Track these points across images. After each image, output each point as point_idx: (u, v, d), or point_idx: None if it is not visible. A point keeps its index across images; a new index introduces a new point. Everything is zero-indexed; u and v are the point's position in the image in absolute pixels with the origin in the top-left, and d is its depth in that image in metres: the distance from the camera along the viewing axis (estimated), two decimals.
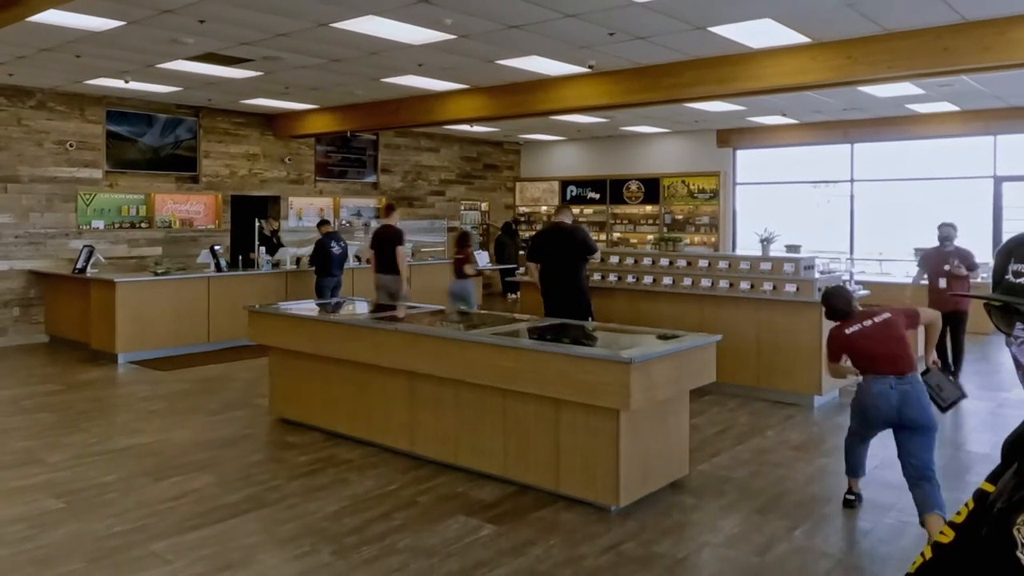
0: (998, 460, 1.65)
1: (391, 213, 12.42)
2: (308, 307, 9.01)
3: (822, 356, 6.41)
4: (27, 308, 13.27)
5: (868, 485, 6.54)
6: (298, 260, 14.45)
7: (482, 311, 11.39)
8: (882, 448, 7.65)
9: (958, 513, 1.69)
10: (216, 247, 13.37)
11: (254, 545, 5.26)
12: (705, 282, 9.86)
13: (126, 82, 12.53)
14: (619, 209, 20.81)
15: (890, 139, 16.89)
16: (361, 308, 9.53)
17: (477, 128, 18.56)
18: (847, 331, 5.86)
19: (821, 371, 8.99)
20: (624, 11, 8.34)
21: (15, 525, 5.56)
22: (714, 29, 9.02)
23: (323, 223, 13.68)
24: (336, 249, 13.20)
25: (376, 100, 14.44)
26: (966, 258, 10.39)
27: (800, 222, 17.58)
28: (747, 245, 17.60)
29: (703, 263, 10.14)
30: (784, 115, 16.37)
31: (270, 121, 16.61)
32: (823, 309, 6.25)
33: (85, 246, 12.88)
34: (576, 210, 21.29)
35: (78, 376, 10.69)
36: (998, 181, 15.97)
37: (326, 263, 13.08)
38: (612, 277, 11.21)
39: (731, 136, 18.88)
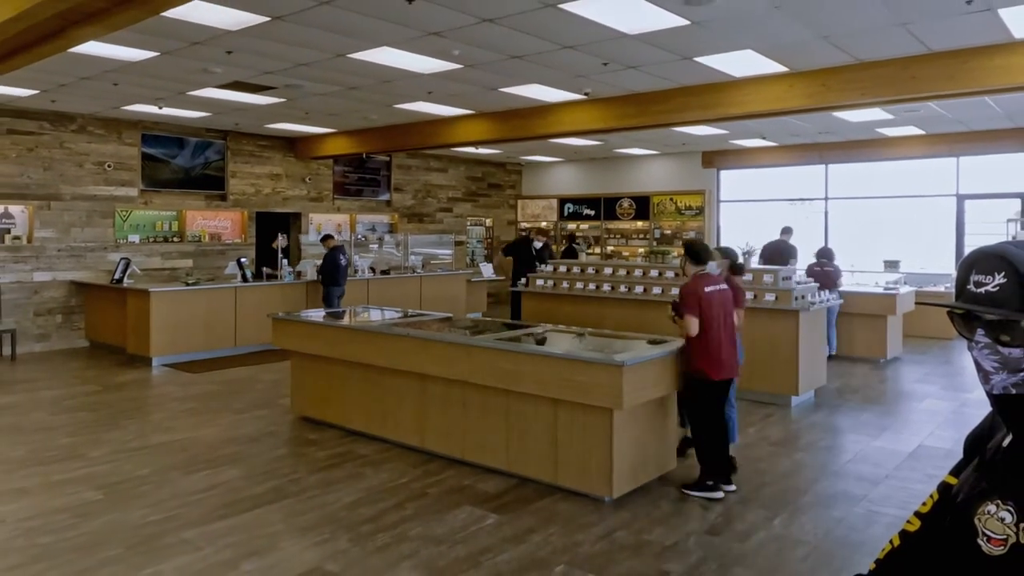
0: (961, 455, 1.65)
1: None
2: (326, 314, 9.01)
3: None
4: (69, 315, 13.29)
5: (841, 478, 6.55)
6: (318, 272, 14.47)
7: (486, 318, 11.38)
8: (854, 441, 7.68)
9: (924, 504, 1.70)
10: (242, 259, 13.39)
11: (277, 533, 5.27)
12: None
13: (160, 108, 12.56)
14: (612, 224, 20.81)
15: (861, 160, 16.91)
16: (375, 315, 9.52)
17: (482, 150, 18.57)
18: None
19: (798, 373, 9.02)
20: (616, 43, 8.36)
21: (59, 515, 5.57)
22: (699, 59, 9.04)
23: (327, 238, 13.66)
24: (343, 261, 13.24)
25: (389, 124, 14.46)
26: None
27: (779, 237, 17.57)
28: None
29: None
30: (764, 138, 16.39)
31: (292, 144, 16.64)
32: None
33: (122, 258, 12.91)
34: (572, 225, 21.41)
35: (115, 378, 10.69)
36: (960, 199, 15.98)
37: (335, 274, 13.11)
38: (606, 287, 11.24)
39: (715, 157, 18.89)
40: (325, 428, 7.98)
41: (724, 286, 6.34)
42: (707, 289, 6.14)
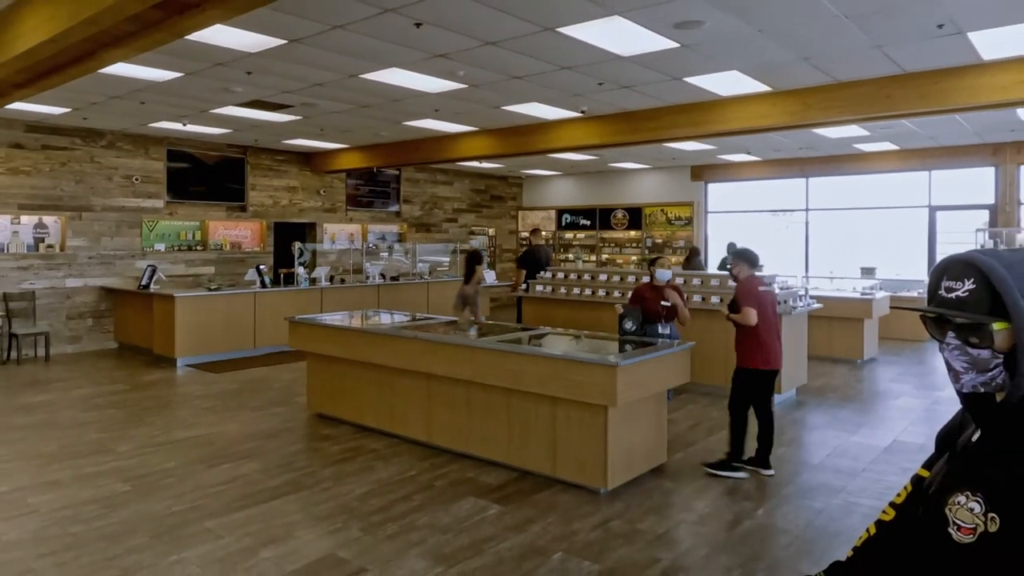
0: (933, 450, 1.66)
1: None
2: (340, 318, 9.00)
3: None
4: (99, 319, 13.29)
5: (821, 471, 6.54)
6: (331, 277, 14.49)
7: (489, 320, 11.38)
8: (833, 437, 7.67)
9: (898, 495, 1.70)
10: (261, 267, 13.40)
11: (293, 523, 5.27)
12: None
13: (184, 125, 12.58)
14: (607, 234, 20.83)
15: (840, 174, 16.92)
16: (385, 319, 9.52)
17: (485, 164, 18.60)
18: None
19: (781, 373, 9.00)
20: (611, 64, 8.38)
21: (89, 506, 5.57)
22: (688, 79, 9.05)
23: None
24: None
25: (399, 140, 14.48)
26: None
27: (762, 245, 17.55)
28: (716, 266, 17.60)
29: (681, 280, 10.14)
30: (748, 153, 16.40)
31: (307, 158, 16.67)
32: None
33: (149, 266, 12.92)
34: (569, 235, 21.45)
35: (142, 377, 10.69)
36: (932, 210, 15.98)
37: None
38: (601, 292, 11.25)
39: (703, 171, 18.91)
40: (338, 424, 7.98)
41: (774, 287, 6.59)
42: (761, 288, 6.48)
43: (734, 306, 6.53)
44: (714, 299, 9.54)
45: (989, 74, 8.27)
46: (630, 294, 8.29)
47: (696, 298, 9.64)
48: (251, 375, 10.87)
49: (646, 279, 7.83)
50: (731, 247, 13.61)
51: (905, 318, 14.11)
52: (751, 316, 6.29)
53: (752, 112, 10.05)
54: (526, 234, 19.12)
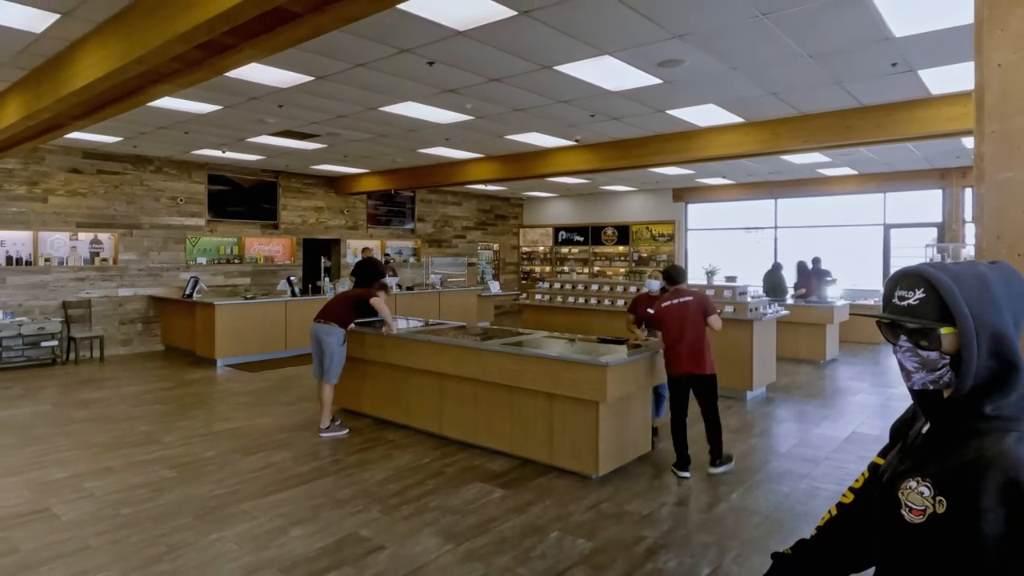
0: (887, 440, 1.66)
1: None
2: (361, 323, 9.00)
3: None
4: (147, 324, 13.30)
5: (788, 459, 6.53)
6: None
7: (494, 326, 11.37)
8: (799, 429, 7.65)
9: (856, 480, 1.71)
10: (291, 278, 13.39)
11: (320, 505, 5.26)
12: None
13: (223, 152, 12.61)
14: (598, 249, 20.83)
15: (805, 196, 16.92)
16: (401, 324, 9.51)
17: (490, 187, 18.62)
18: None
19: (752, 371, 9.00)
20: (602, 99, 8.40)
21: (139, 489, 5.57)
22: (671, 112, 9.08)
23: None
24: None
25: (413, 166, 14.50)
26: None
27: (736, 259, 17.61)
28: (696, 277, 17.57)
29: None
30: (724, 177, 16.41)
31: (332, 181, 16.69)
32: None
33: (192, 277, 12.93)
34: (565, 249, 21.43)
35: (186, 376, 10.69)
36: (887, 228, 15.98)
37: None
38: (593, 300, 11.25)
39: (684, 193, 18.92)
40: (360, 418, 7.97)
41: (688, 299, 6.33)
42: (665, 304, 6.26)
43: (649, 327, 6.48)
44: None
45: (937, 107, 8.29)
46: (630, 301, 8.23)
47: None
48: (282, 374, 10.87)
49: (645, 288, 7.69)
50: (802, 265, 13.56)
51: (862, 323, 14.09)
52: (640, 333, 6.34)
53: (727, 141, 10.06)
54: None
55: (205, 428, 7.54)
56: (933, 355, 1.40)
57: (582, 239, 21.21)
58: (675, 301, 6.17)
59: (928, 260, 8.88)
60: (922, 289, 1.41)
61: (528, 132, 10.59)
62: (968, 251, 13.24)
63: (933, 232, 15.26)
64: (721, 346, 9.14)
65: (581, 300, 11.57)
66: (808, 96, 8.25)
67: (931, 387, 1.44)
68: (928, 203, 15.33)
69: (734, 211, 18.37)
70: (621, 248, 20.31)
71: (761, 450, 6.85)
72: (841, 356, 12.79)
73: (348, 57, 6.75)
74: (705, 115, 9.25)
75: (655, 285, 7.18)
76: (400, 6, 5.35)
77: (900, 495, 1.40)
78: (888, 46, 6.38)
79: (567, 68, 7.09)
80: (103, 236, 12.79)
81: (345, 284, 14.17)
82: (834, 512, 1.73)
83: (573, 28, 5.90)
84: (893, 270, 1.85)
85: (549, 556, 4.40)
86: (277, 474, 5.99)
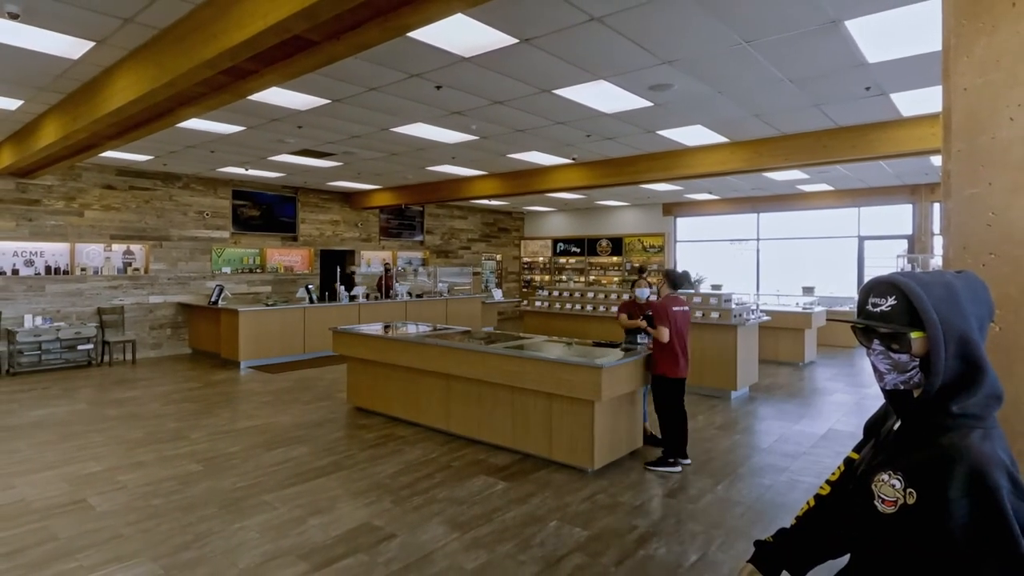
0: (861, 436, 1.66)
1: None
2: (375, 328, 9.00)
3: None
4: (176, 329, 13.30)
5: (770, 454, 6.51)
6: (367, 295, 14.49)
7: (497, 331, 11.37)
8: (779, 426, 7.63)
9: (833, 474, 1.71)
10: (309, 286, 13.40)
11: (336, 496, 5.25)
12: None
13: (246, 170, 12.64)
14: (594, 259, 20.82)
15: (785, 210, 16.92)
16: (411, 329, 9.52)
17: (493, 202, 18.63)
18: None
19: (736, 372, 8.99)
20: (597, 120, 8.42)
21: (168, 482, 5.57)
22: (660, 132, 9.09)
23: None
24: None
25: (422, 182, 14.52)
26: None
27: (721, 269, 17.62)
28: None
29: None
30: (710, 193, 16.42)
31: (347, 196, 16.71)
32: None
33: (217, 285, 12.94)
34: (563, 260, 21.43)
35: (212, 377, 10.69)
36: (861, 240, 15.96)
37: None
38: (588, 307, 11.24)
39: (673, 207, 18.93)
40: (373, 416, 7.97)
41: (686, 308, 6.32)
42: (675, 309, 6.20)
43: (651, 320, 6.29)
44: (698, 313, 9.52)
45: (908, 128, 8.30)
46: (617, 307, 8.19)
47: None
48: (301, 375, 10.86)
49: (626, 296, 7.69)
50: (876, 282, 13.52)
51: (838, 328, 14.07)
52: (664, 334, 6.02)
53: (713, 159, 10.07)
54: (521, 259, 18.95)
55: (229, 425, 7.54)
56: (904, 357, 1.41)
57: (579, 250, 21.21)
58: (681, 308, 6.21)
59: (899, 269, 8.87)
60: (894, 296, 1.42)
61: (528, 151, 10.60)
62: (936, 261, 13.21)
63: (904, 244, 15.25)
64: (707, 349, 9.14)
65: (578, 307, 11.57)
66: (788, 118, 8.26)
67: (902, 387, 1.44)
68: (899, 217, 15.32)
69: (720, 224, 18.37)
70: (615, 258, 20.31)
71: (744, 445, 6.84)
72: (819, 359, 12.77)
73: (362, 81, 6.78)
74: (693, 135, 9.26)
75: (644, 293, 7.15)
76: (410, 34, 5.38)
77: (873, 487, 1.41)
78: (862, 71, 6.40)
79: (564, 92, 7.11)
80: (135, 247, 12.81)
81: (360, 290, 14.21)
82: (812, 503, 1.73)
83: (570, 54, 5.92)
84: (867, 279, 1.85)
85: (548, 544, 4.39)
86: (296, 468, 5.98)
